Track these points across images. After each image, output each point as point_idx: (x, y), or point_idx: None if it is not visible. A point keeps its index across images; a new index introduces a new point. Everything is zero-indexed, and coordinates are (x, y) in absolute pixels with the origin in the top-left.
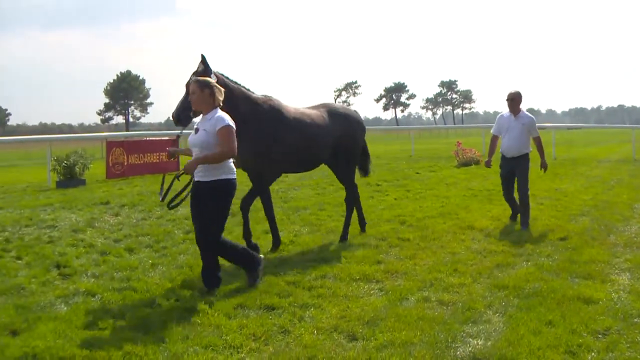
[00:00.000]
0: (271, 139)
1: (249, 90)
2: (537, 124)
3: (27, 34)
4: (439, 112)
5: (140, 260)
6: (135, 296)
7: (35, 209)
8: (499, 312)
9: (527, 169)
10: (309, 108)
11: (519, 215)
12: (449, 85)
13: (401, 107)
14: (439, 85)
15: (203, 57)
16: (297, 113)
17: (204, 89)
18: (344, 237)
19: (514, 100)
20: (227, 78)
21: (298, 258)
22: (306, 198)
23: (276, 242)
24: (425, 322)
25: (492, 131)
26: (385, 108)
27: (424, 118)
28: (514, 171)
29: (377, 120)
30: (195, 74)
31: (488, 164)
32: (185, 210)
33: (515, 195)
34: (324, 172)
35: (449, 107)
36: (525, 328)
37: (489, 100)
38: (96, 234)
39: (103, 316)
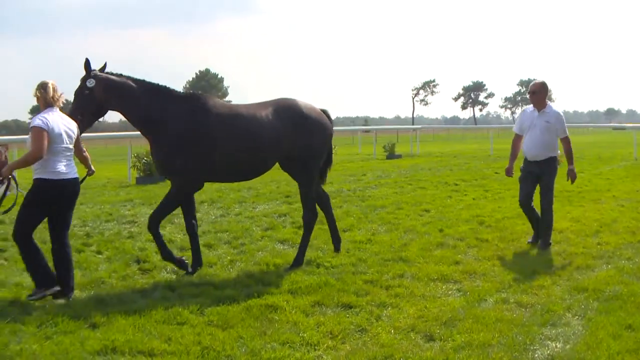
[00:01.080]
0: (187, 142)
1: (163, 87)
2: (619, 124)
3: (108, 33)
4: (518, 111)
5: (219, 256)
6: (214, 292)
7: (116, 204)
8: (578, 315)
9: (552, 178)
10: (258, 105)
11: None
12: (528, 84)
13: (479, 106)
14: (517, 84)
15: (86, 60)
16: (232, 113)
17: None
18: (297, 262)
19: (536, 93)
20: (128, 78)
21: (375, 257)
22: (384, 197)
23: (195, 263)
24: (504, 323)
25: (514, 129)
26: (464, 107)
27: (503, 117)
28: (535, 176)
29: (455, 119)
30: (82, 79)
31: (508, 172)
32: (263, 207)
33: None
34: (402, 170)
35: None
36: (604, 332)
37: (568, 100)
38: (175, 230)
39: (181, 311)
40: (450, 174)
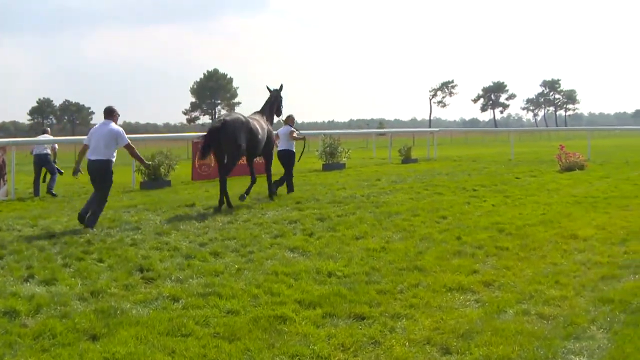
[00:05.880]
0: None
1: None
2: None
3: (114, 31)
4: (541, 113)
5: (226, 264)
6: (220, 302)
7: (118, 210)
8: (604, 328)
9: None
10: None
11: None
12: (552, 85)
13: (500, 108)
14: (540, 85)
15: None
16: None
17: None
18: None
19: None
20: None
21: (390, 266)
22: (399, 203)
23: None
24: (524, 336)
25: None
26: (483, 109)
27: (525, 119)
28: None
29: (474, 122)
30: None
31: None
32: (272, 213)
33: None
34: (418, 175)
35: (552, 108)
36: (632, 346)
37: (595, 101)
38: (181, 237)
39: (186, 322)
40: (468, 179)
